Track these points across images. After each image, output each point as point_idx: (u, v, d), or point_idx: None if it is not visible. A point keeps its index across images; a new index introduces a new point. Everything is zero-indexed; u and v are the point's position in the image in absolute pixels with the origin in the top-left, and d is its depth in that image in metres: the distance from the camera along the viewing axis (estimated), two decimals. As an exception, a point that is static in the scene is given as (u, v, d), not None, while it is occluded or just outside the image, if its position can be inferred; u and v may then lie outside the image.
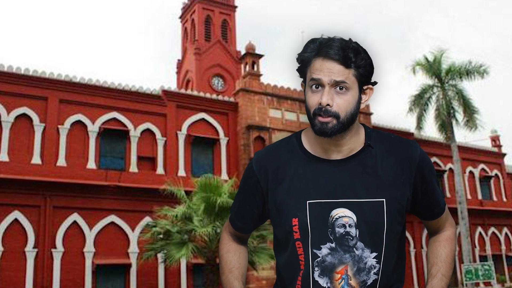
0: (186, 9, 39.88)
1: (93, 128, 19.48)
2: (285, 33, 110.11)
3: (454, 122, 23.91)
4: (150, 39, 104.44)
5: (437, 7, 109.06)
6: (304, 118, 23.67)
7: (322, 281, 1.49)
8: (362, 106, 1.56)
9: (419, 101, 24.19)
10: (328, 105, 1.46)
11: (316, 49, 1.50)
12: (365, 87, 1.55)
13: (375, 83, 1.58)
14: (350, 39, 1.52)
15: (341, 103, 1.48)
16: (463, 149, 29.58)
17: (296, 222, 1.51)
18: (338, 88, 1.48)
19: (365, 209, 1.49)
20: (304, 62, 1.54)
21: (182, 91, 23.10)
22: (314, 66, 1.49)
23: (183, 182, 17.47)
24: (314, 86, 1.50)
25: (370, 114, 25.96)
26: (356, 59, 1.48)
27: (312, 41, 1.52)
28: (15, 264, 16.96)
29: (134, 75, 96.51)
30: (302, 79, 1.59)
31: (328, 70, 1.47)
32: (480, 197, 31.16)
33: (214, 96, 23.29)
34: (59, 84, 19.20)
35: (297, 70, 1.58)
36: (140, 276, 18.94)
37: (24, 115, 18.42)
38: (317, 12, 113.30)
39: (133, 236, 19.07)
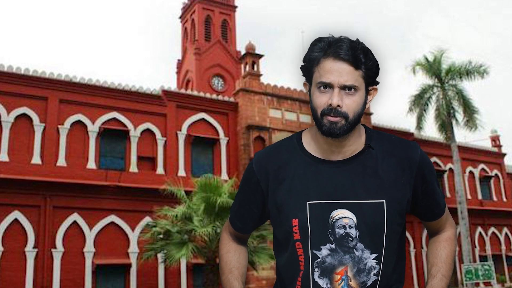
0: (186, 9, 39.88)
1: (93, 128, 19.48)
2: (285, 33, 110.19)
3: (454, 122, 23.92)
4: (150, 39, 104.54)
5: (437, 7, 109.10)
6: (304, 118, 23.68)
7: (322, 282, 1.48)
8: (366, 106, 1.56)
9: (419, 101, 24.19)
10: (338, 106, 1.47)
11: (325, 48, 1.49)
12: (370, 88, 1.55)
13: (377, 82, 1.58)
14: (357, 39, 1.51)
15: (350, 104, 1.48)
16: (463, 149, 29.58)
17: (296, 223, 1.51)
18: (347, 89, 1.48)
19: (365, 210, 1.49)
20: (311, 62, 1.52)
21: (182, 91, 23.10)
22: (324, 68, 1.48)
23: (183, 182, 17.47)
24: (322, 87, 1.49)
25: (370, 114, 25.96)
26: (365, 61, 1.48)
27: (319, 40, 1.51)
28: (15, 264, 16.96)
29: (134, 75, 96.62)
30: (304, 78, 1.58)
31: (338, 72, 1.46)
32: (480, 197, 31.15)
33: (214, 96, 23.29)
34: (59, 84, 19.20)
35: (302, 68, 1.57)
36: (140, 276, 18.94)
37: (24, 115, 18.42)
38: (317, 12, 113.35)
39: (133, 236, 19.07)
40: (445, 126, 23.77)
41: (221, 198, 13.65)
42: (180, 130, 21.36)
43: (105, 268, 18.37)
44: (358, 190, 1.51)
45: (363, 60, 1.47)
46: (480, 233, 30.21)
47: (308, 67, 1.54)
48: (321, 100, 1.49)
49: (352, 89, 1.48)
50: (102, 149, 19.82)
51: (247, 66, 24.15)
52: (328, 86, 1.48)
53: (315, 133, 1.58)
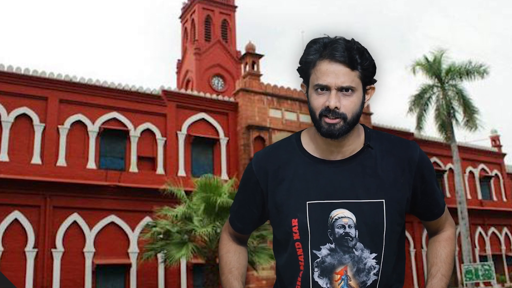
0: (186, 9, 39.88)
1: (93, 128, 19.48)
2: (285, 33, 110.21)
3: (454, 122, 23.92)
4: (150, 39, 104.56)
5: (437, 7, 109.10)
6: (304, 118, 23.67)
7: (321, 282, 1.48)
8: (365, 105, 1.56)
9: (419, 101, 24.20)
10: (336, 107, 1.46)
11: (320, 50, 1.49)
12: (367, 87, 1.55)
13: (375, 81, 1.57)
14: (352, 39, 1.51)
15: (348, 105, 1.48)
16: (463, 149, 29.57)
17: (296, 223, 1.51)
18: (344, 90, 1.47)
19: (365, 209, 1.49)
20: (307, 64, 1.52)
21: (182, 91, 23.10)
22: (320, 70, 1.48)
23: (183, 182, 17.47)
24: (319, 89, 1.49)
25: (370, 114, 25.96)
26: (361, 61, 1.48)
27: (314, 42, 1.51)
28: (15, 264, 16.96)
29: (134, 75, 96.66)
30: (302, 80, 1.58)
31: (334, 74, 1.46)
32: (480, 197, 31.15)
33: (214, 96, 23.29)
34: (59, 84, 19.20)
35: (298, 70, 1.57)
36: (140, 276, 18.94)
37: (24, 115, 18.42)
38: (317, 12, 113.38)
39: (133, 236, 19.07)
40: (445, 126, 23.77)
41: (221, 198, 13.65)
42: (180, 130, 21.36)
43: (105, 268, 18.37)
44: (357, 189, 1.51)
45: (359, 61, 1.47)
46: (480, 233, 30.21)
47: (305, 69, 1.54)
48: (319, 102, 1.49)
49: (349, 90, 1.47)
50: (102, 149, 19.82)
51: (247, 66, 24.15)
52: (325, 88, 1.48)
53: (314, 133, 1.58)
